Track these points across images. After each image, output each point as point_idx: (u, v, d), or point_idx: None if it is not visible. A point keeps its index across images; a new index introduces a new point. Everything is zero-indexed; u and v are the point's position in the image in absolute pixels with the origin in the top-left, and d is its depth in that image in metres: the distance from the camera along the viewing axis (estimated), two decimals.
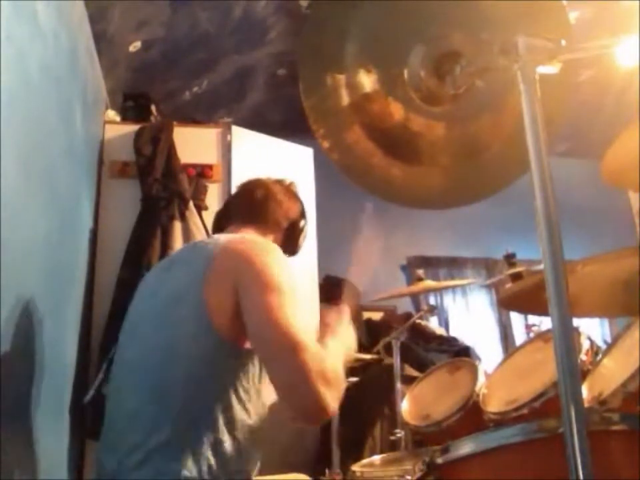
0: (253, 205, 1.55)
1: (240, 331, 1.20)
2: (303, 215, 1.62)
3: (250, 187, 1.61)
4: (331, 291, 3.48)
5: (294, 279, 1.25)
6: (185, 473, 1.13)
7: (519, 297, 1.63)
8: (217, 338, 1.20)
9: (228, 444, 1.19)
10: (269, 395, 1.36)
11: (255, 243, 1.34)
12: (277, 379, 1.15)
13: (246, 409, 1.24)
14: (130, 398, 1.24)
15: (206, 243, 1.37)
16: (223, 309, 1.21)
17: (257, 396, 1.27)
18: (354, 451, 2.71)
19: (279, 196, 1.57)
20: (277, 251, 1.32)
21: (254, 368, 1.26)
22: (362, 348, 3.28)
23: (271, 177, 1.65)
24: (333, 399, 1.11)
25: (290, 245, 1.57)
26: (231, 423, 1.20)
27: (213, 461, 1.16)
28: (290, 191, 1.63)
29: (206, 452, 1.16)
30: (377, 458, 2.23)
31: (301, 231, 1.60)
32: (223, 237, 1.37)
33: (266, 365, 1.19)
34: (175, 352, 1.22)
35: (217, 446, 1.17)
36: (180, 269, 1.35)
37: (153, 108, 3.04)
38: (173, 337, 1.23)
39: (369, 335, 3.63)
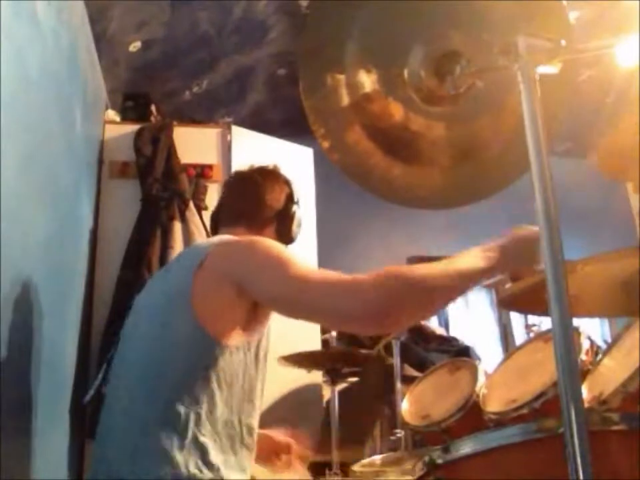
0: (239, 208, 1.54)
1: (227, 328, 1.23)
2: (290, 199, 1.57)
3: (233, 189, 1.62)
4: None
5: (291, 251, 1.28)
6: (174, 472, 1.14)
7: (519, 297, 1.63)
8: (203, 336, 1.21)
9: (216, 444, 1.20)
10: (263, 394, 1.37)
11: (246, 237, 1.36)
12: (306, 315, 1.24)
13: (234, 409, 1.25)
14: (122, 398, 1.26)
15: (199, 244, 1.41)
16: (210, 305, 1.23)
17: (245, 395, 1.28)
18: (354, 451, 2.71)
19: (261, 193, 1.54)
20: (266, 239, 1.34)
21: (241, 366, 1.27)
22: (362, 348, 3.29)
23: (253, 166, 1.62)
24: (374, 295, 1.08)
25: (284, 234, 1.55)
26: (217, 423, 1.21)
27: (201, 460, 1.17)
28: (272, 179, 1.58)
29: (194, 451, 1.17)
30: (377, 458, 2.23)
31: (291, 217, 1.55)
32: (215, 239, 1.39)
33: (290, 313, 1.24)
34: (164, 352, 1.24)
35: (204, 446, 1.19)
36: (173, 271, 1.39)
37: (153, 108, 3.03)
38: (163, 337, 1.25)
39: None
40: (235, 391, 1.26)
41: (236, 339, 1.25)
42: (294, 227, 1.56)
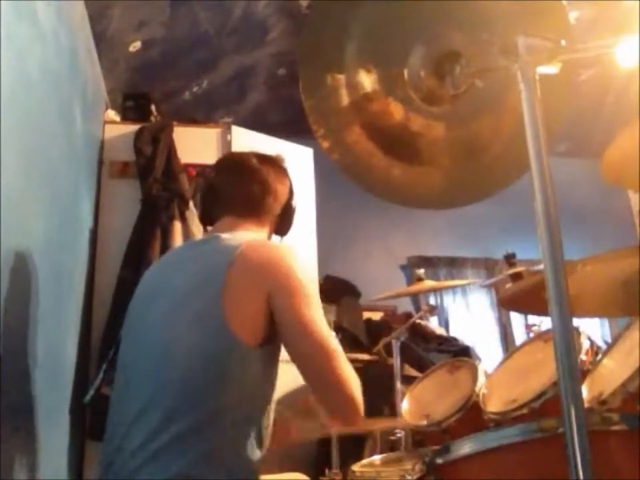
0: (251, 200, 1.47)
1: (254, 333, 1.21)
2: (291, 192, 1.55)
3: (244, 179, 1.50)
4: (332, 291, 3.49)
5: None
6: (189, 472, 1.13)
7: (519, 296, 1.63)
8: (228, 337, 1.19)
9: (232, 443, 1.19)
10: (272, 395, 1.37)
11: (279, 249, 1.33)
12: (317, 388, 1.25)
13: (251, 409, 1.24)
14: (136, 399, 1.23)
15: (222, 240, 1.33)
16: (243, 310, 1.21)
17: (262, 396, 1.27)
18: (354, 451, 2.71)
19: (272, 184, 1.49)
20: (298, 255, 1.32)
21: (260, 369, 1.25)
22: (362, 348, 3.28)
23: (255, 154, 1.54)
24: (361, 400, 1.22)
25: (283, 226, 1.53)
26: (236, 423, 1.20)
27: (217, 460, 1.16)
28: (278, 170, 1.53)
29: (210, 451, 1.16)
30: (376, 458, 2.22)
31: (293, 210, 1.54)
32: (240, 237, 1.34)
33: (305, 375, 1.25)
34: (185, 349, 1.21)
35: (221, 445, 1.17)
36: (192, 266, 1.33)
37: (153, 108, 3.04)
38: (183, 335, 1.23)
39: (369, 335, 3.63)
40: (257, 393, 1.25)
41: (265, 341, 1.23)
42: (292, 221, 1.55)
